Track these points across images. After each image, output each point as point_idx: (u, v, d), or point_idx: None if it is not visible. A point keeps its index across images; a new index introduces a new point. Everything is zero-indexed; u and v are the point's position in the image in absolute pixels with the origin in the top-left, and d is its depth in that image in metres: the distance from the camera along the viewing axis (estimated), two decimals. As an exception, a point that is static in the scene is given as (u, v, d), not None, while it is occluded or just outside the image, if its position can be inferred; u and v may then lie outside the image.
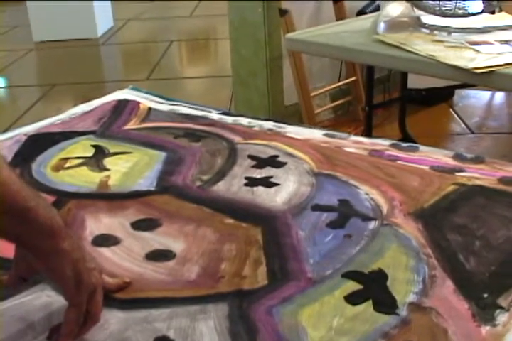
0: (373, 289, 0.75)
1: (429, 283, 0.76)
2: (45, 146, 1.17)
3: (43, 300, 0.75)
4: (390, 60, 1.68)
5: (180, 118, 1.27)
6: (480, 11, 1.84)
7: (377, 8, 2.87)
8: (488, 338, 0.67)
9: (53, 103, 3.74)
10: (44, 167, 1.09)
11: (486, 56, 1.56)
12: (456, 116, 3.22)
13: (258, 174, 1.04)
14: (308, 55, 2.76)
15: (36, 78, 4.52)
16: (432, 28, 1.80)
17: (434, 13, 1.83)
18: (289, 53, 2.79)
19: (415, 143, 1.20)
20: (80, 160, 1.11)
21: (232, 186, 1.00)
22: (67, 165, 1.10)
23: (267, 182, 1.01)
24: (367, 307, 0.72)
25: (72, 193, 1.00)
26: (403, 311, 0.71)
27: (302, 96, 2.86)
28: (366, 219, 0.90)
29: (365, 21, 1.97)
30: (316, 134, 1.19)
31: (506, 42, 1.66)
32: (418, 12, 1.88)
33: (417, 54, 1.60)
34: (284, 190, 0.98)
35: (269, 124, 1.23)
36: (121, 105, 1.35)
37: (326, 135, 1.18)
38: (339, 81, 3.12)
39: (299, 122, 2.77)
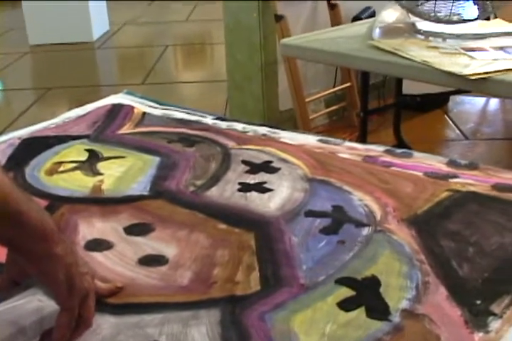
0: (366, 295, 0.75)
1: (422, 289, 0.75)
2: (39, 150, 1.16)
3: (34, 304, 0.75)
4: (385, 65, 1.68)
5: (175, 123, 1.27)
6: (475, 17, 1.85)
7: (373, 14, 2.88)
8: (480, 345, 0.66)
9: (48, 106, 3.74)
10: (37, 171, 1.08)
11: (481, 62, 1.56)
12: (450, 122, 3.23)
13: (252, 179, 1.04)
14: (303, 61, 2.76)
15: (31, 81, 4.52)
16: (427, 34, 1.81)
17: (429, 19, 1.83)
18: (284, 58, 2.80)
19: (410, 149, 1.20)
20: (74, 165, 1.11)
21: (225, 191, 1.00)
22: (61, 169, 1.10)
23: (260, 188, 1.01)
24: (360, 313, 0.72)
25: (65, 197, 1.00)
26: (396, 318, 0.71)
27: (297, 102, 2.86)
28: (360, 225, 0.89)
29: (361, 27, 1.97)
30: (310, 140, 1.19)
31: (501, 48, 1.66)
32: (413, 18, 1.88)
33: (411, 60, 1.61)
34: (278, 196, 0.98)
35: (263, 129, 1.23)
36: (116, 109, 1.35)
37: (320, 141, 1.18)
38: (334, 86, 3.13)
39: (294, 127, 2.77)
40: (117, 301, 0.75)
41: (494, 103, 3.51)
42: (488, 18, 1.95)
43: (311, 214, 0.93)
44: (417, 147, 2.41)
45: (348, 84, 3.13)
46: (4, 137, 1.23)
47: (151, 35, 5.52)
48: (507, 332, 0.68)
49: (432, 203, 0.95)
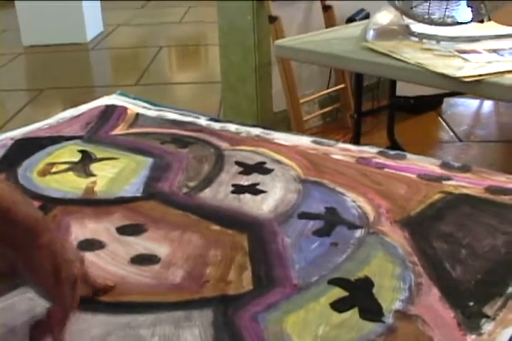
0: (359, 296, 0.75)
1: (415, 290, 0.75)
2: (32, 151, 1.16)
3: (25, 304, 0.75)
4: (378, 67, 1.68)
5: (168, 124, 1.27)
6: (469, 19, 1.86)
7: (367, 16, 2.88)
8: (473, 347, 0.66)
9: (42, 108, 3.73)
10: (30, 172, 1.08)
11: (475, 65, 1.56)
12: (444, 124, 3.23)
13: (245, 181, 1.04)
14: (297, 62, 2.76)
15: (25, 82, 4.51)
16: (421, 36, 1.81)
17: (423, 21, 1.83)
18: (278, 60, 2.80)
19: (403, 151, 1.20)
20: (67, 166, 1.10)
21: (218, 193, 1.00)
22: (54, 170, 1.09)
23: (253, 190, 1.01)
24: (353, 314, 0.72)
25: (58, 199, 0.99)
26: (389, 319, 0.71)
27: (291, 103, 2.87)
28: (352, 227, 0.89)
29: (355, 29, 1.97)
30: (303, 141, 1.19)
31: (494, 51, 1.67)
32: (407, 20, 1.89)
33: (405, 62, 1.61)
34: (271, 198, 0.98)
35: (256, 130, 1.23)
36: (109, 110, 1.34)
37: (313, 142, 1.18)
38: (328, 88, 3.13)
39: (288, 129, 2.77)
40: (109, 299, 0.75)
41: (488, 105, 3.52)
42: (481, 21, 1.96)
43: (304, 216, 0.93)
44: (411, 149, 2.41)
45: (341, 86, 3.14)
46: (-3, 138, 1.22)
47: (145, 36, 5.52)
48: (500, 335, 0.68)
49: (424, 205, 0.95)
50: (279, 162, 1.10)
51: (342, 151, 1.14)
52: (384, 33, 1.86)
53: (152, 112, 1.34)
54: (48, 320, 0.68)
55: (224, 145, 1.17)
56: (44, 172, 1.08)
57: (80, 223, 0.92)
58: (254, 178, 1.05)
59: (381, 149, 1.15)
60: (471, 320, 0.70)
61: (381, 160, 1.10)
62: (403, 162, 1.09)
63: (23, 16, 5.01)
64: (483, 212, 0.93)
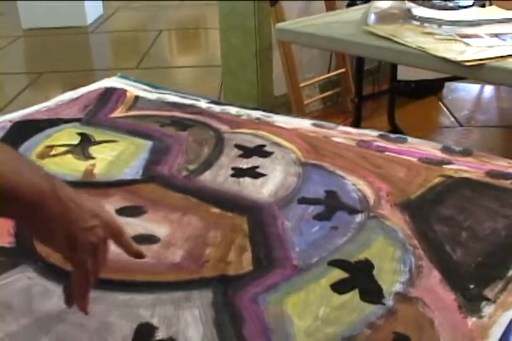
0: (360, 278, 0.75)
1: (415, 273, 0.75)
2: (31, 133, 1.15)
3: (23, 282, 0.75)
4: (379, 51, 1.67)
5: (168, 107, 1.27)
6: (470, 4, 1.84)
7: (368, 0, 2.86)
8: (474, 330, 0.66)
9: (41, 91, 3.71)
10: (29, 154, 1.08)
11: (476, 49, 1.55)
12: (445, 108, 3.22)
13: (245, 164, 1.04)
14: (298, 46, 2.75)
15: (24, 66, 4.49)
16: (423, 20, 1.80)
17: (425, 5, 1.82)
18: (279, 43, 2.78)
19: (404, 135, 1.20)
20: (66, 148, 1.10)
21: (218, 176, 1.00)
22: (53, 152, 1.09)
23: (253, 173, 1.00)
24: (353, 296, 0.72)
25: (57, 181, 0.99)
26: (389, 301, 0.71)
27: (291, 87, 2.85)
28: (353, 211, 0.89)
29: (356, 12, 1.96)
30: (304, 124, 1.18)
31: (496, 35, 1.65)
32: (409, 4, 1.87)
33: (406, 46, 1.60)
34: (271, 181, 0.98)
35: (257, 113, 1.23)
36: (108, 93, 1.34)
37: (314, 125, 1.18)
38: (329, 72, 3.12)
39: (289, 113, 2.76)
40: (109, 277, 0.75)
41: (489, 90, 3.51)
42: (483, 5, 1.94)
43: (304, 201, 0.92)
44: (411, 134, 2.40)
45: (342, 70, 3.12)
46: (-4, 120, 1.22)
47: (145, 19, 5.49)
48: (500, 317, 0.68)
49: (425, 188, 0.95)
50: (278, 145, 1.09)
51: (342, 134, 1.13)
52: (385, 17, 1.85)
53: (152, 95, 1.33)
54: (74, 287, 0.68)
55: (224, 128, 1.16)
56: (43, 155, 1.08)
57: (79, 205, 0.91)
58: (254, 161, 1.04)
59: (382, 132, 1.14)
60: (471, 302, 0.70)
61: (382, 143, 1.10)
62: (404, 145, 1.09)
63: (23, -1, 4.98)
64: (483, 195, 0.92)
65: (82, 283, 0.67)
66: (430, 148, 1.08)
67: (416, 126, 2.91)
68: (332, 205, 0.91)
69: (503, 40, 1.62)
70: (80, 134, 1.15)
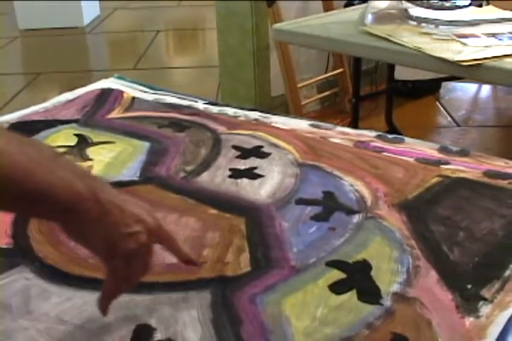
0: (357, 279, 0.75)
1: (413, 273, 0.76)
2: (28, 135, 1.15)
3: (21, 283, 0.75)
4: (377, 51, 1.67)
5: (165, 108, 1.26)
6: (467, 3, 1.85)
7: (365, 0, 2.86)
8: (471, 330, 0.67)
9: (38, 92, 3.71)
10: (27, 155, 1.07)
11: (473, 49, 1.55)
12: (442, 108, 3.22)
13: (242, 165, 1.04)
14: (295, 46, 2.75)
15: (21, 66, 4.48)
16: (420, 20, 1.80)
17: (422, 5, 1.82)
18: (276, 44, 2.78)
19: (401, 135, 1.20)
20: (63, 150, 1.10)
21: (216, 177, 1.00)
22: (50, 153, 1.08)
23: (251, 174, 1.00)
24: (351, 296, 0.72)
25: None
26: (387, 301, 0.71)
27: (289, 88, 2.85)
28: (350, 212, 0.89)
29: (353, 13, 1.96)
30: (301, 124, 1.18)
31: (493, 35, 1.66)
32: (406, 4, 1.87)
33: (404, 46, 1.60)
34: (268, 183, 0.98)
35: (254, 114, 1.23)
36: (105, 94, 1.34)
37: (311, 125, 1.18)
38: (326, 72, 3.11)
39: (286, 113, 2.76)
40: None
41: (486, 90, 3.51)
42: (480, 5, 1.94)
43: (301, 201, 0.92)
44: (409, 133, 2.40)
45: (340, 70, 3.12)
46: (-7, 121, 1.22)
47: (142, 20, 5.48)
48: (497, 317, 0.68)
49: (422, 188, 0.95)
50: (276, 146, 1.09)
51: (340, 135, 1.13)
52: (382, 17, 1.85)
53: (149, 96, 1.33)
54: (105, 291, 0.67)
55: (221, 129, 1.16)
56: (41, 156, 1.07)
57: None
58: (251, 162, 1.04)
59: (379, 133, 1.15)
60: (469, 302, 0.70)
61: (379, 144, 1.10)
62: (401, 146, 1.09)
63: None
64: (480, 195, 0.93)
65: (113, 289, 0.66)
66: (427, 149, 1.08)
67: (413, 125, 2.91)
68: (329, 206, 0.91)
69: (500, 39, 1.62)
70: (77, 135, 1.15)
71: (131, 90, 1.36)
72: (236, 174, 1.01)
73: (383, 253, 0.79)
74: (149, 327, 0.68)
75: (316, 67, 3.11)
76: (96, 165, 1.04)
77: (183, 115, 1.22)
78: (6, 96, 3.61)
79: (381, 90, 2.94)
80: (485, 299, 0.71)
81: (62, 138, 1.14)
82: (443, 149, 1.08)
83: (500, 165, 1.02)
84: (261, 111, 1.24)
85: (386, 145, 1.09)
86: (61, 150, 1.10)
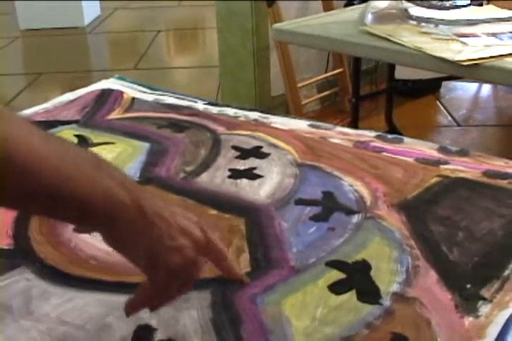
0: (357, 279, 0.76)
1: (412, 273, 0.76)
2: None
3: (22, 284, 0.75)
4: (377, 51, 1.67)
5: (164, 108, 1.27)
6: (468, 3, 1.85)
7: (365, 0, 2.86)
8: (471, 329, 0.67)
9: (39, 92, 3.72)
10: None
11: (473, 48, 1.56)
12: (442, 108, 3.23)
13: (242, 165, 1.04)
14: (295, 46, 2.75)
15: (22, 66, 4.48)
16: (420, 19, 1.80)
17: (422, 5, 1.83)
18: (276, 44, 2.78)
19: (401, 135, 1.20)
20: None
21: (215, 178, 1.00)
22: (51, 154, 1.09)
23: (250, 175, 1.01)
24: (350, 296, 0.72)
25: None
26: (387, 301, 0.71)
27: (289, 87, 2.85)
28: (350, 212, 0.89)
29: (353, 12, 1.96)
30: (301, 125, 1.18)
31: (493, 34, 1.66)
32: (406, 4, 1.88)
33: (404, 46, 1.60)
34: (268, 183, 0.98)
35: (254, 115, 1.23)
36: (105, 94, 1.34)
37: (311, 125, 1.18)
38: (326, 72, 3.12)
39: (286, 113, 2.76)
40: (106, 278, 0.76)
41: (486, 89, 3.51)
42: (480, 4, 1.94)
43: (301, 202, 0.93)
44: (409, 133, 2.40)
45: (340, 70, 3.12)
46: (-6, 122, 1.22)
47: (142, 20, 5.48)
48: (497, 317, 0.69)
49: (421, 188, 0.95)
50: (275, 146, 1.10)
51: (340, 135, 1.14)
52: (382, 17, 1.85)
53: (149, 96, 1.33)
54: (136, 298, 0.64)
55: (220, 129, 1.17)
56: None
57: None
58: (250, 163, 1.04)
59: (379, 133, 1.15)
60: (468, 302, 0.71)
61: (379, 144, 1.10)
62: (401, 146, 1.09)
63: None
64: (480, 195, 0.93)
65: (148, 299, 0.64)
66: (427, 148, 1.08)
67: (414, 125, 2.91)
68: (329, 206, 0.91)
69: (500, 39, 1.62)
70: (77, 136, 1.15)
71: (131, 91, 1.36)
72: (235, 174, 1.01)
73: (383, 253, 0.80)
74: (150, 328, 0.68)
75: (316, 67, 3.11)
76: (96, 166, 1.04)
77: (183, 115, 1.23)
78: (7, 96, 3.61)
79: (381, 90, 2.94)
80: (484, 299, 0.71)
81: (63, 138, 1.14)
82: (442, 149, 1.08)
83: (500, 164, 1.02)
84: (261, 112, 1.25)
85: (385, 146, 1.09)
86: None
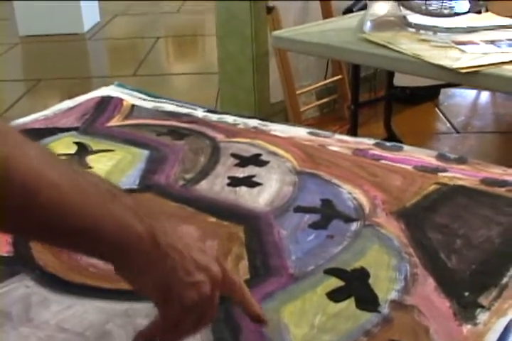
0: (355, 286, 0.76)
1: (410, 281, 0.76)
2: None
3: (21, 291, 0.75)
4: (375, 58, 1.68)
5: (164, 116, 1.27)
6: (466, 10, 1.85)
7: (364, 7, 2.87)
8: (469, 337, 0.67)
9: (39, 98, 3.72)
10: (27, 163, 1.08)
11: (472, 56, 1.56)
12: (441, 115, 3.23)
13: (241, 173, 1.04)
14: (294, 53, 2.76)
15: (22, 73, 4.49)
16: (418, 27, 1.81)
17: (421, 12, 1.83)
18: (276, 51, 2.79)
19: (400, 142, 1.20)
20: (63, 158, 1.10)
21: (215, 185, 1.00)
22: (50, 161, 1.09)
23: (249, 182, 1.01)
24: (349, 304, 0.73)
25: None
26: (385, 309, 0.71)
27: (288, 94, 2.86)
28: (348, 220, 0.90)
29: (352, 20, 1.97)
30: (300, 132, 1.19)
31: (492, 42, 1.66)
32: (404, 11, 1.88)
33: (402, 53, 1.61)
34: (267, 191, 0.98)
35: (254, 122, 1.23)
36: (105, 102, 1.34)
37: (310, 133, 1.18)
38: (325, 79, 3.12)
39: (285, 120, 2.77)
40: (106, 286, 0.76)
41: (485, 96, 3.52)
42: (479, 12, 1.95)
43: (300, 209, 0.93)
44: (408, 140, 2.41)
45: (339, 77, 3.13)
46: (-7, 129, 1.22)
47: (142, 26, 5.49)
48: (495, 324, 0.69)
49: (420, 196, 0.95)
50: (274, 154, 1.10)
51: (338, 143, 1.14)
52: (381, 24, 1.86)
53: (148, 103, 1.34)
54: (147, 330, 0.62)
55: (220, 137, 1.17)
56: (41, 164, 1.08)
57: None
58: (250, 170, 1.05)
59: (378, 141, 1.15)
60: (466, 310, 0.71)
61: (377, 151, 1.10)
62: (399, 153, 1.10)
63: (20, 6, 4.98)
64: (478, 203, 0.93)
65: (158, 333, 0.61)
66: (425, 156, 1.09)
67: (412, 132, 2.92)
68: (328, 214, 0.91)
69: (499, 46, 1.63)
70: (76, 143, 1.15)
71: (130, 98, 1.36)
72: (235, 182, 1.01)
73: (381, 261, 0.80)
74: (149, 335, 0.68)
75: (315, 74, 3.12)
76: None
77: (182, 123, 1.23)
78: (6, 102, 3.61)
79: (380, 97, 2.95)
80: (482, 306, 0.71)
81: (62, 146, 1.15)
82: (441, 156, 1.08)
83: (498, 172, 1.02)
84: (260, 119, 1.25)
85: (384, 153, 1.09)
86: (61, 158, 1.10)
